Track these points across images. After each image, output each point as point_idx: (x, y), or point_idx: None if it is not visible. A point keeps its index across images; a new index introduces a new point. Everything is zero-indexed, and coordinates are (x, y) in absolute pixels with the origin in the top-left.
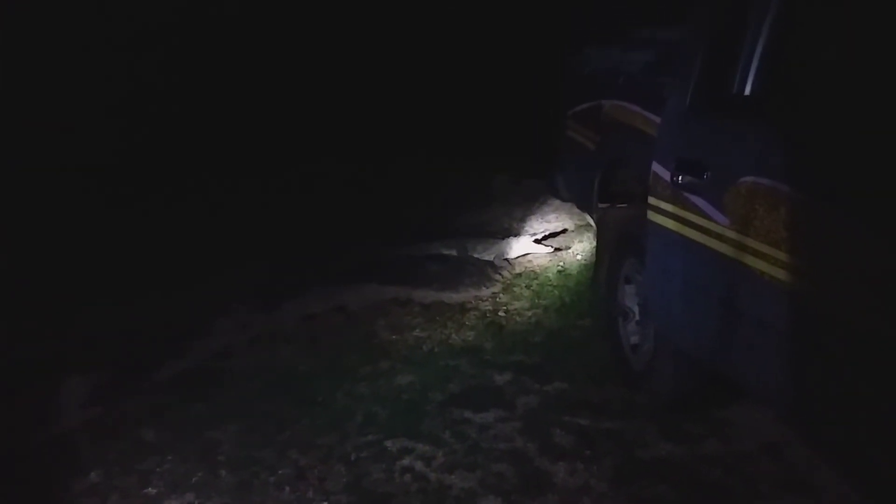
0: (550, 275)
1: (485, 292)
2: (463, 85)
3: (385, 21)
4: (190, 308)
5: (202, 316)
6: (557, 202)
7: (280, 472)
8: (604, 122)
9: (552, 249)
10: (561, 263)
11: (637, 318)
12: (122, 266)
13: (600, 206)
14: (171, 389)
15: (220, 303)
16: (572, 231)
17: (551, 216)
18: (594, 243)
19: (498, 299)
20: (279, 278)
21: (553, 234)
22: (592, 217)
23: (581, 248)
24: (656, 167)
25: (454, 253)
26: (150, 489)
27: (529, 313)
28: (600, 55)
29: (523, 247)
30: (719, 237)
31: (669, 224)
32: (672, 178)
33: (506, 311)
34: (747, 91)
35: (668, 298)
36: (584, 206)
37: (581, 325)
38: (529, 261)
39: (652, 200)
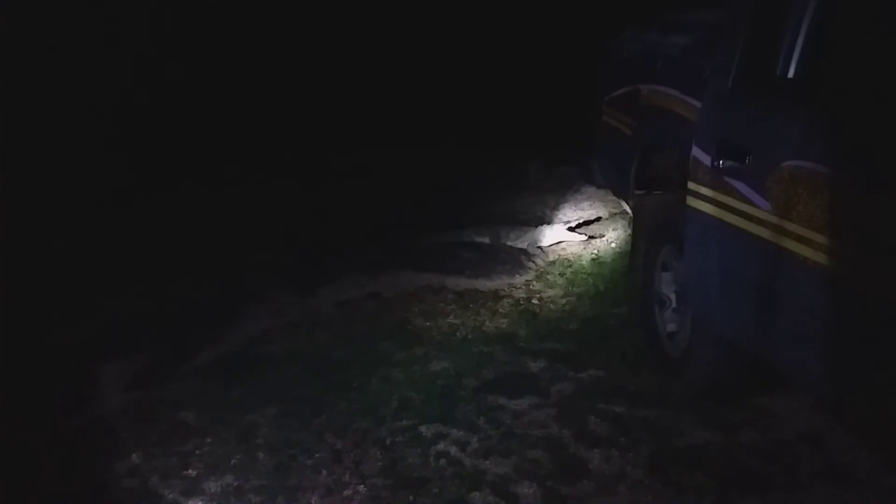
0: (584, 262)
1: (518, 280)
2: (496, 72)
3: (417, 8)
4: (226, 294)
5: (239, 302)
6: (591, 189)
7: (317, 455)
8: (641, 107)
9: (586, 237)
10: (595, 251)
11: (674, 305)
12: (155, 252)
13: (637, 192)
14: (211, 374)
15: (256, 289)
16: (606, 219)
17: (585, 204)
18: (629, 231)
19: (531, 287)
20: (314, 265)
21: (587, 222)
22: (629, 204)
23: (615, 236)
24: (696, 152)
25: (487, 241)
26: (189, 471)
27: (563, 301)
28: (637, 39)
29: (557, 235)
30: (761, 222)
31: (710, 209)
32: (713, 162)
33: (539, 299)
34: (791, 73)
35: (708, 285)
36: (620, 192)
37: (616, 314)
38: (563, 248)
39: (692, 185)
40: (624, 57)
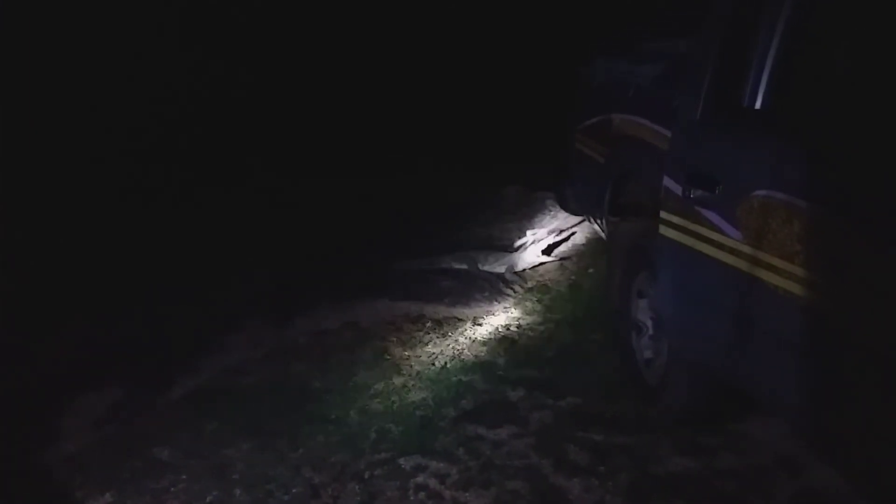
0: (562, 288)
1: (496, 307)
2: (475, 94)
3: (395, 28)
4: (200, 322)
5: (214, 330)
6: (569, 215)
7: (294, 490)
8: (613, 136)
9: (563, 262)
10: (572, 276)
11: (650, 332)
12: (127, 276)
13: (611, 219)
14: (185, 406)
15: (232, 317)
16: (584, 244)
17: (563, 229)
18: (605, 256)
19: (510, 314)
20: (289, 292)
21: (565, 247)
22: (603, 230)
23: (592, 262)
24: (667, 181)
25: (465, 267)
26: None
27: (542, 327)
28: (609, 68)
29: (534, 260)
30: (732, 251)
31: (682, 238)
32: (683, 192)
33: (518, 326)
34: (759, 104)
35: (682, 313)
36: (594, 219)
37: (594, 339)
38: (541, 274)
39: (664, 214)
40: (596, 85)
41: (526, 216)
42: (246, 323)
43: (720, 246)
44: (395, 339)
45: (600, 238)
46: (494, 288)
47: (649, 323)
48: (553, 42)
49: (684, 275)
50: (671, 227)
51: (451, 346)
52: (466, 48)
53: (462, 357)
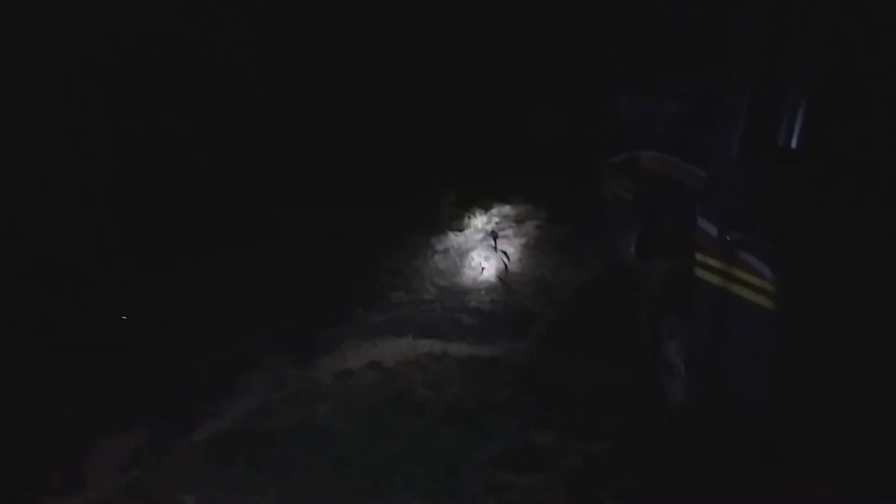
0: (587, 325)
1: (521, 345)
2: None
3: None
4: (223, 361)
5: (236, 371)
6: (589, 248)
7: None
8: (641, 174)
9: (588, 298)
10: (598, 313)
11: (683, 374)
12: (148, 314)
13: (639, 258)
14: (210, 451)
15: (254, 356)
16: (607, 279)
17: (584, 265)
18: (633, 294)
19: (535, 352)
20: (312, 330)
21: (588, 282)
22: (631, 269)
23: (617, 298)
24: (703, 222)
25: (487, 305)
26: None
27: (569, 366)
28: (636, 105)
29: (557, 297)
30: (770, 294)
31: (718, 281)
32: (720, 234)
33: (544, 365)
34: (794, 144)
35: (719, 357)
36: (621, 257)
37: (622, 380)
38: (565, 311)
39: (700, 257)
40: (621, 122)
41: (546, 252)
42: (268, 362)
43: (758, 289)
44: (418, 378)
45: (627, 275)
46: (518, 325)
47: (682, 365)
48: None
49: (721, 318)
50: (708, 270)
51: (476, 386)
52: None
53: (488, 398)
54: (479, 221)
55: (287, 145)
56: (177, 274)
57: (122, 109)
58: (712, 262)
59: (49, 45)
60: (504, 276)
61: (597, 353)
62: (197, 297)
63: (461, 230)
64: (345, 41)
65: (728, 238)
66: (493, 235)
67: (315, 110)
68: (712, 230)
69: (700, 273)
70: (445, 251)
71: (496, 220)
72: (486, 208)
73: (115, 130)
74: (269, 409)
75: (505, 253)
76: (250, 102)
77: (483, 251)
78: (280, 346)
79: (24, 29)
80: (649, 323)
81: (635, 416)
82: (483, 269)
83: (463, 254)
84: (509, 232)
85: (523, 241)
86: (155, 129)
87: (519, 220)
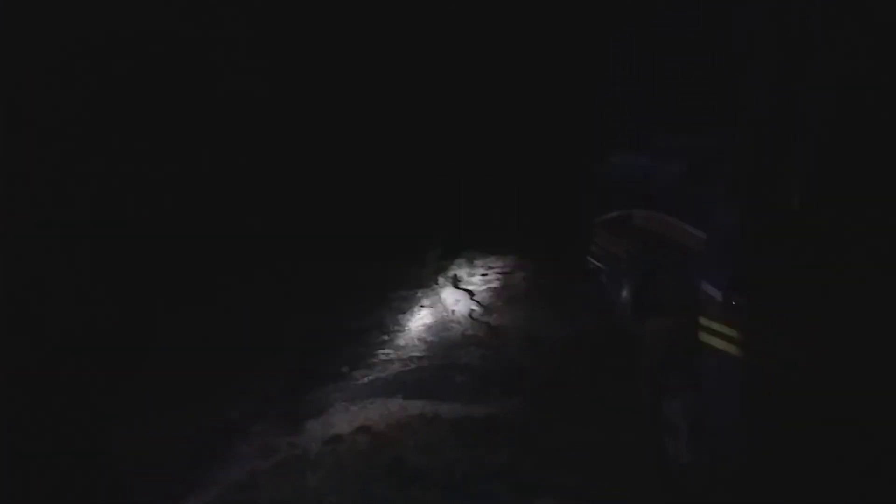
0: (585, 382)
1: (515, 403)
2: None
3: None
4: (209, 428)
5: (222, 439)
6: (573, 304)
7: None
8: (635, 232)
9: (581, 353)
10: (592, 369)
11: (687, 437)
12: (130, 380)
13: (636, 317)
14: None
15: (239, 421)
16: (598, 334)
17: (574, 319)
18: (629, 352)
19: (530, 410)
20: (299, 392)
21: (579, 337)
22: (626, 326)
23: (610, 354)
24: (707, 287)
25: (479, 360)
26: None
27: (565, 425)
28: (628, 163)
29: (549, 352)
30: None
31: (725, 346)
32: (724, 298)
33: (540, 424)
34: (798, 204)
35: (728, 421)
36: (615, 314)
37: (624, 440)
38: (557, 366)
39: (704, 321)
40: (614, 180)
41: (536, 304)
42: (255, 429)
43: (765, 354)
44: (411, 443)
45: (622, 331)
46: (511, 383)
47: (686, 427)
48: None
49: (729, 382)
50: (713, 335)
51: (470, 450)
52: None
53: (484, 462)
54: (467, 274)
55: (271, 196)
56: (158, 330)
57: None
58: (717, 326)
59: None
60: (494, 331)
61: (593, 412)
62: (178, 357)
63: (449, 283)
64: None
65: (734, 303)
66: (471, 293)
67: (309, 164)
68: (717, 294)
69: (706, 338)
70: (432, 305)
71: (483, 273)
72: (474, 261)
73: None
74: (255, 480)
75: (489, 306)
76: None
77: (471, 304)
78: (266, 410)
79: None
80: (649, 383)
81: (636, 478)
82: (471, 322)
83: (450, 308)
84: (497, 285)
85: (512, 294)
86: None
87: (507, 273)
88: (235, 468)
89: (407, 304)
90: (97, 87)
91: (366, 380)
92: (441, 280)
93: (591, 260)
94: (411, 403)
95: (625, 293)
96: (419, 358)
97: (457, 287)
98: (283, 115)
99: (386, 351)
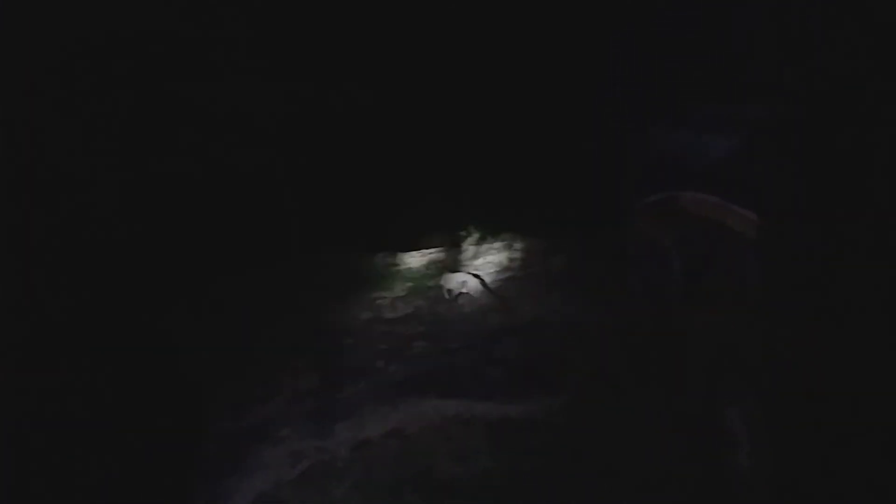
0: (631, 381)
1: (556, 402)
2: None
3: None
4: (234, 433)
5: (248, 444)
6: (613, 291)
7: None
8: (683, 217)
9: (624, 346)
10: (637, 363)
11: (749, 445)
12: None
13: (686, 309)
14: None
15: (268, 425)
16: (642, 325)
17: (615, 308)
18: (679, 350)
19: (572, 411)
20: (332, 391)
21: (621, 328)
22: (673, 319)
23: (655, 347)
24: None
25: (517, 352)
26: None
27: (610, 428)
28: (668, 136)
29: (591, 344)
30: None
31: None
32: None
33: (583, 427)
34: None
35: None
36: (661, 305)
37: (677, 450)
38: (600, 360)
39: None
40: (654, 158)
41: (576, 285)
42: (282, 431)
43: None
44: (443, 449)
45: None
46: (551, 377)
47: (747, 435)
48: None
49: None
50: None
51: (507, 457)
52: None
53: (521, 471)
54: (500, 258)
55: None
56: (180, 320)
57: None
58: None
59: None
60: (531, 319)
61: (640, 415)
62: (205, 348)
63: (481, 268)
64: None
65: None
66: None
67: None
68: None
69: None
70: (467, 291)
71: (517, 256)
72: (506, 244)
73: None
74: (281, 491)
75: (524, 292)
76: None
77: (506, 290)
78: (295, 411)
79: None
80: (702, 384)
81: (690, 491)
82: (507, 310)
83: (484, 294)
84: (533, 270)
85: (549, 279)
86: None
87: (541, 257)
88: (260, 478)
89: (441, 291)
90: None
91: (398, 377)
92: (473, 264)
93: (632, 245)
94: (445, 404)
95: (673, 283)
96: (454, 350)
97: (489, 272)
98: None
99: (421, 343)
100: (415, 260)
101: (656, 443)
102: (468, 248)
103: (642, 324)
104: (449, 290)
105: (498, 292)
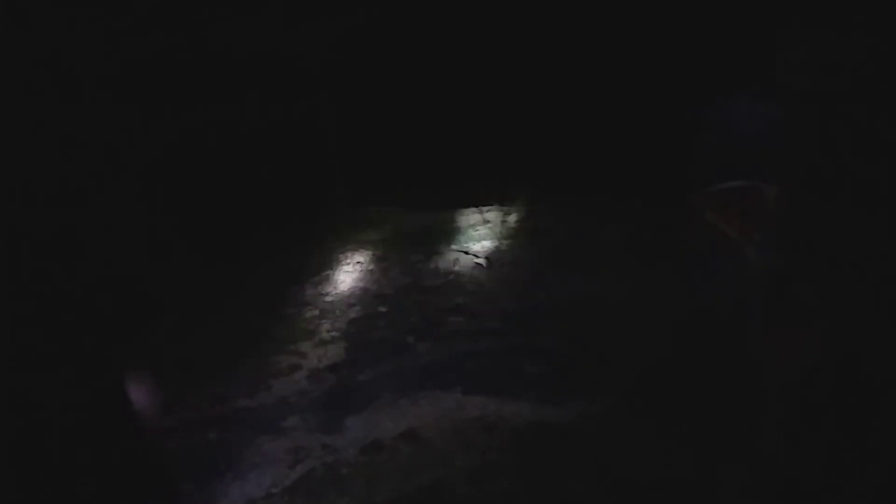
0: (682, 385)
1: (597, 407)
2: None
3: None
4: (229, 422)
5: (250, 436)
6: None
7: None
8: (768, 214)
9: (683, 348)
10: (697, 371)
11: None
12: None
13: (764, 328)
14: None
15: (270, 416)
16: (708, 329)
17: (674, 303)
18: (748, 372)
19: (616, 420)
20: (346, 378)
21: (681, 327)
22: (741, 332)
23: (726, 376)
24: None
25: (561, 342)
26: None
27: (659, 446)
28: (747, 111)
29: (644, 342)
30: None
31: None
32: None
33: (628, 442)
34: None
35: None
36: (730, 314)
37: (733, 476)
38: (653, 362)
39: None
40: (726, 137)
41: (628, 267)
42: (288, 424)
43: None
44: (461, 462)
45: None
46: (597, 375)
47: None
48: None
49: None
50: None
51: (533, 477)
52: None
53: (554, 494)
54: (553, 224)
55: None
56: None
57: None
58: None
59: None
60: (580, 302)
61: (697, 431)
62: (209, 321)
63: (532, 236)
64: None
65: None
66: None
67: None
68: None
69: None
70: (515, 262)
71: (570, 226)
72: (559, 211)
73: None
74: (272, 500)
75: (577, 267)
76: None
77: (557, 263)
78: (305, 398)
79: None
80: (777, 421)
81: None
82: (557, 288)
83: (533, 264)
84: (587, 243)
85: (601, 257)
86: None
87: (598, 230)
88: (252, 481)
89: (487, 260)
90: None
91: (424, 360)
92: (524, 229)
93: (697, 239)
94: (470, 400)
95: (753, 296)
96: (490, 333)
97: (541, 241)
98: None
99: (456, 319)
100: (466, 221)
101: (710, 467)
102: (520, 212)
103: (707, 327)
104: (487, 259)
105: (545, 265)
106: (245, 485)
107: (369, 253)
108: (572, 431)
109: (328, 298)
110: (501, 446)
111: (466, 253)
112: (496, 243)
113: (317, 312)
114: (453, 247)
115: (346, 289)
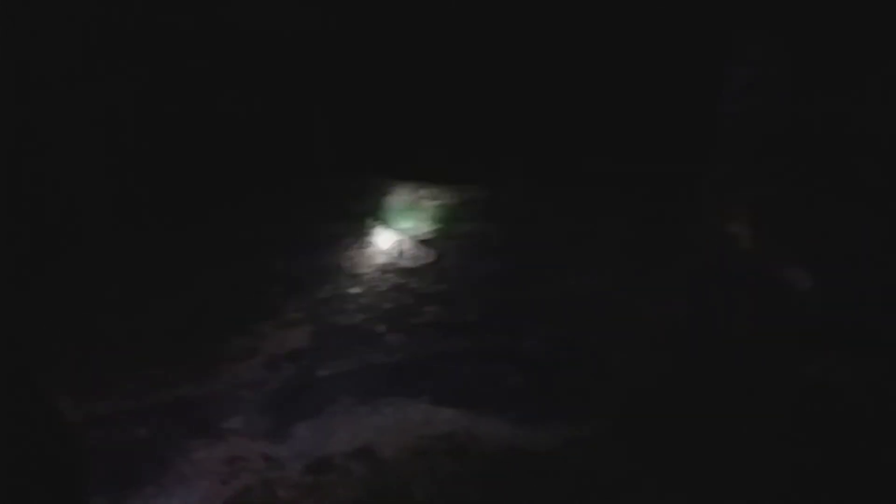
0: (684, 410)
1: (585, 430)
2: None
3: None
4: (158, 424)
5: (176, 432)
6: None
7: None
8: (795, 222)
9: (687, 367)
10: (700, 394)
11: None
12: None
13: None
14: None
15: (208, 417)
16: (719, 345)
17: (677, 312)
18: (768, 402)
19: (607, 447)
20: (312, 366)
21: (687, 336)
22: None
23: (745, 401)
24: None
25: (547, 347)
26: None
27: (654, 485)
28: (799, 101)
29: (643, 352)
30: None
31: None
32: None
33: (619, 476)
34: None
35: None
36: (741, 334)
37: None
38: (651, 376)
39: None
40: (756, 132)
41: (630, 257)
42: (230, 426)
43: None
44: (421, 490)
45: None
46: (584, 392)
47: None
48: None
49: None
50: None
51: None
52: None
53: None
54: (554, 212)
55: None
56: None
57: None
58: None
59: None
60: (574, 299)
61: (694, 471)
62: (164, 290)
63: (527, 227)
64: None
65: None
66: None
67: None
68: None
69: None
70: (506, 246)
71: (574, 214)
72: (562, 196)
73: None
74: None
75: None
76: None
77: (552, 254)
78: (255, 391)
79: None
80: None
81: None
82: (550, 281)
83: (526, 251)
84: (586, 233)
85: (609, 249)
86: None
87: (603, 220)
88: (178, 497)
89: (474, 244)
90: None
91: (395, 356)
92: (514, 213)
93: (708, 249)
94: (440, 413)
95: (784, 320)
96: (470, 329)
97: (534, 227)
98: None
99: (434, 309)
100: (453, 199)
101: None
102: (511, 193)
103: (709, 337)
104: (474, 243)
105: (537, 255)
106: (171, 499)
107: (348, 226)
108: (554, 458)
109: (298, 274)
110: (471, 472)
111: (452, 235)
112: (485, 226)
113: (283, 289)
114: (438, 226)
115: (318, 264)
